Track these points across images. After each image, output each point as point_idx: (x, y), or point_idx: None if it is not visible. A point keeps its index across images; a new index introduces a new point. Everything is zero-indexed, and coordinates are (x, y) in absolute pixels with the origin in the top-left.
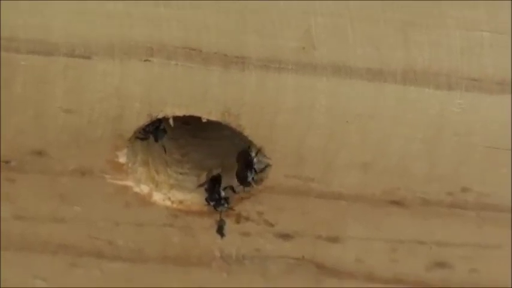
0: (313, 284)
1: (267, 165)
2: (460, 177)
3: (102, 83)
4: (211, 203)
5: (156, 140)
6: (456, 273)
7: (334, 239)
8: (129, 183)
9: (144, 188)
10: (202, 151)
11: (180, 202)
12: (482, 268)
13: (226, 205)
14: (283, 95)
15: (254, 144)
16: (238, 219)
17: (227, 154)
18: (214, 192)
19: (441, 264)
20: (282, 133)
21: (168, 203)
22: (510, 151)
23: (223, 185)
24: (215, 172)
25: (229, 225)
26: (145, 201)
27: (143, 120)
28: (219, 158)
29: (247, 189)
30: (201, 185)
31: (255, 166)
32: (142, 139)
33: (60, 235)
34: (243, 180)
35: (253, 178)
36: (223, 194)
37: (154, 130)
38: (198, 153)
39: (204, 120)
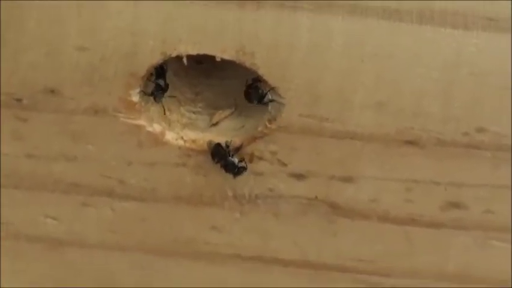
0: (326, 224)
1: (272, 100)
2: (476, 117)
3: (115, 20)
4: (230, 174)
5: (156, 100)
6: (471, 213)
7: (348, 179)
8: (141, 122)
9: (156, 127)
10: (215, 90)
11: (193, 141)
12: (497, 209)
13: (245, 171)
14: (298, 34)
15: (268, 83)
16: (251, 158)
17: (240, 94)
18: (229, 163)
19: (456, 205)
20: (297, 72)
21: (181, 142)
22: None
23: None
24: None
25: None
26: (157, 141)
27: (156, 58)
28: (232, 98)
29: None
30: (214, 125)
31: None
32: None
33: (72, 174)
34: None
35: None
36: (236, 161)
37: (155, 88)
38: (211, 93)
39: (218, 59)
